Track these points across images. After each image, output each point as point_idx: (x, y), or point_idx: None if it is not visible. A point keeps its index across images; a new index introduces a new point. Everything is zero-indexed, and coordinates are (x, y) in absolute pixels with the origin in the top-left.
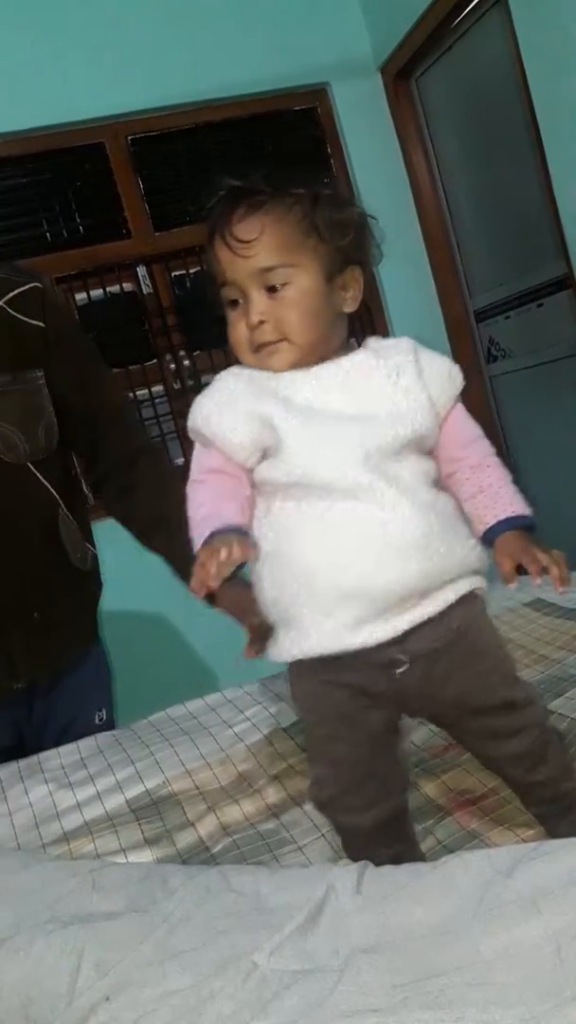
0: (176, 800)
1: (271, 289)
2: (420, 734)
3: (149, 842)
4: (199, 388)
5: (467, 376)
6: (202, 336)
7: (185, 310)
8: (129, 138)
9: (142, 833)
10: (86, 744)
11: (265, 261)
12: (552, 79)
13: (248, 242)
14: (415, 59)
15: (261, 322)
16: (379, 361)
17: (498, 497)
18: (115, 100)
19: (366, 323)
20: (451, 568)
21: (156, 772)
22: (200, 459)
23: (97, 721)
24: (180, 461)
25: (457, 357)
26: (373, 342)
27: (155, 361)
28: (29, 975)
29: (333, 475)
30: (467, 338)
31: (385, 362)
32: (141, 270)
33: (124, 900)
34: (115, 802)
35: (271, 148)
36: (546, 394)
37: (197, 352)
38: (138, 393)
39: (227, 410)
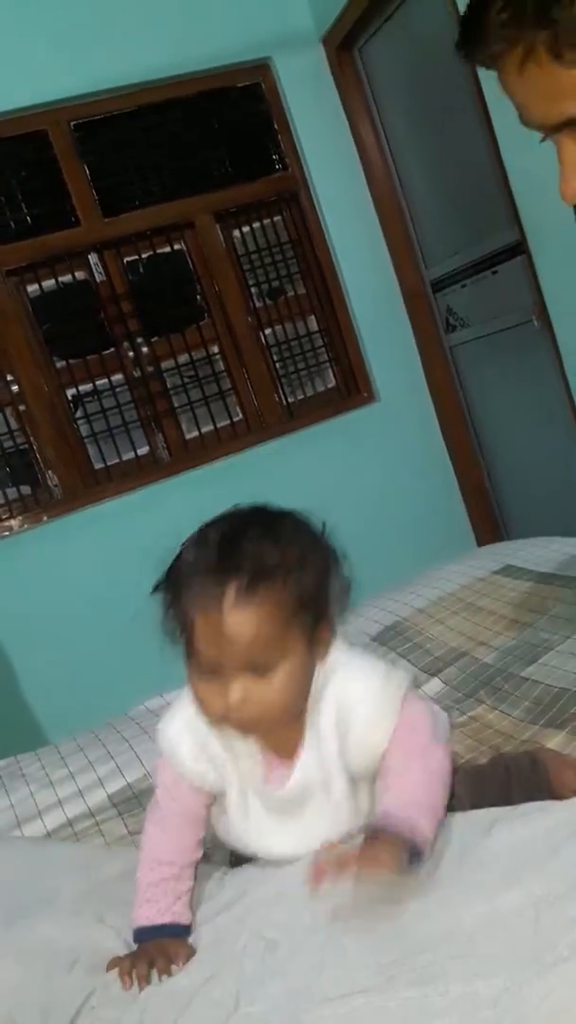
0: None
1: (256, 669)
2: None
3: (133, 835)
4: (159, 374)
5: (427, 347)
6: (159, 321)
7: (140, 296)
8: (72, 124)
9: (126, 827)
10: (66, 743)
11: (258, 654)
12: None
13: (242, 638)
14: (357, 29)
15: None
16: (317, 774)
17: (388, 812)
18: (54, 86)
19: (324, 300)
20: None
21: (136, 765)
22: (161, 772)
23: None
24: (144, 450)
25: (415, 328)
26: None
27: (113, 349)
28: (15, 979)
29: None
30: (425, 309)
31: (322, 774)
32: (93, 257)
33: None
34: (97, 798)
35: (217, 126)
36: (505, 361)
37: (155, 338)
38: (98, 383)
39: (192, 740)
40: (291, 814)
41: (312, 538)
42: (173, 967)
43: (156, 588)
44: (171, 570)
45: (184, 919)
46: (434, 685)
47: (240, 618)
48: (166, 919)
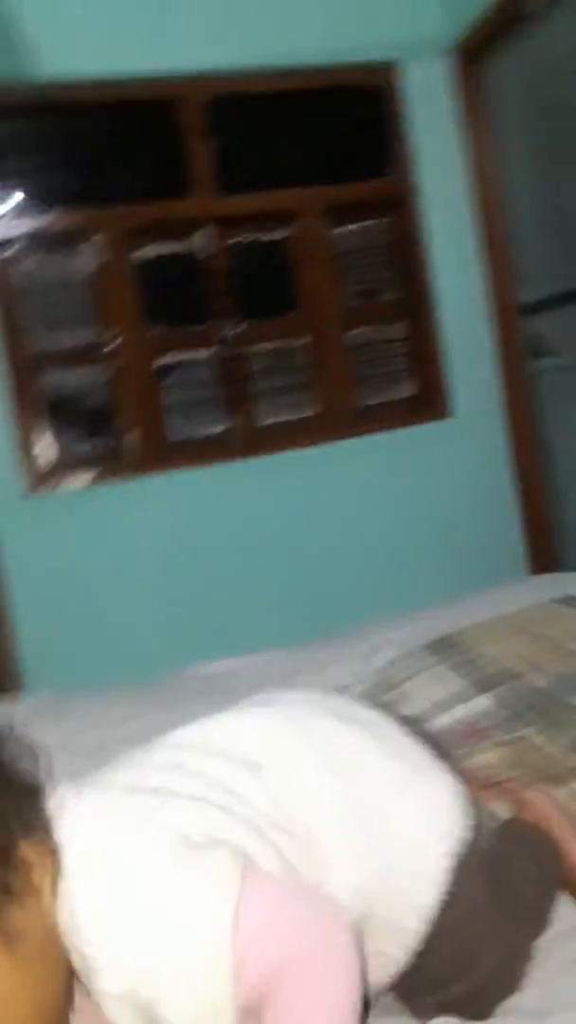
0: None
1: None
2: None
3: None
4: (244, 358)
5: (510, 371)
6: (253, 306)
7: (239, 278)
8: (203, 98)
9: None
10: (113, 690)
11: None
12: None
13: None
14: (489, 43)
15: None
16: None
17: None
18: (190, 58)
19: (414, 308)
20: None
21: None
22: None
23: None
24: (218, 429)
25: (501, 350)
26: None
27: (205, 326)
28: None
29: None
30: (513, 331)
31: None
32: (202, 232)
33: None
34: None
35: (336, 122)
36: None
37: (246, 322)
38: (184, 357)
39: None
40: None
41: None
42: None
43: None
44: None
45: None
46: (482, 702)
47: None
48: None
